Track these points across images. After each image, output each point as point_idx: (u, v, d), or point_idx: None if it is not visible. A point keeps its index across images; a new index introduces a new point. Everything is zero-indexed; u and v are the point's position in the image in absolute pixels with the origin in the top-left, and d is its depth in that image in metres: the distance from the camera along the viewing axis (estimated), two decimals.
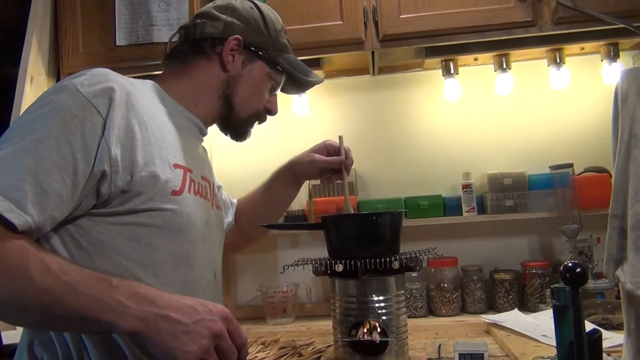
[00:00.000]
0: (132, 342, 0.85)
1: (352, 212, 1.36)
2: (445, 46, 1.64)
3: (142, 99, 0.97)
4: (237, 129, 1.20)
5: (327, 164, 1.34)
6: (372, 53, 1.69)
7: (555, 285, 0.91)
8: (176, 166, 0.99)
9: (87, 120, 0.86)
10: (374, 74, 1.86)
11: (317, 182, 1.66)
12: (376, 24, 1.58)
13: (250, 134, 1.22)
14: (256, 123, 1.22)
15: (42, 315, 0.76)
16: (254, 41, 1.14)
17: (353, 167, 1.40)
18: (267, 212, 1.41)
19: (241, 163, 1.95)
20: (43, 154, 0.82)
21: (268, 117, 1.24)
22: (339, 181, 1.37)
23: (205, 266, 1.05)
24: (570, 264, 0.87)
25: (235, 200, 1.44)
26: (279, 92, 1.25)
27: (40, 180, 0.80)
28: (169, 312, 0.78)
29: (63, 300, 0.75)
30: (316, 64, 1.70)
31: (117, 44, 1.65)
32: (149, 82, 1.08)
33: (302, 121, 1.95)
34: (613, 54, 1.70)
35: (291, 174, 1.38)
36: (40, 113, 0.86)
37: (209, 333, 0.79)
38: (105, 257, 0.89)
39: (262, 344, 1.46)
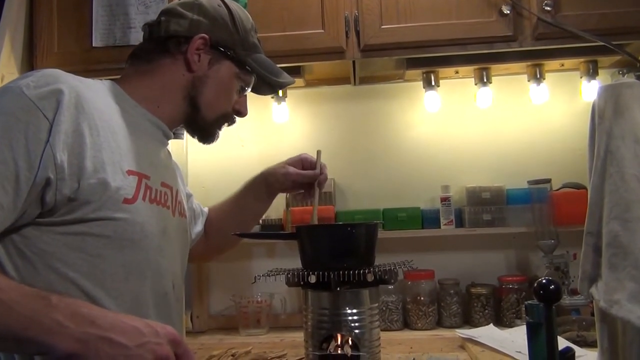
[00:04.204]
0: None
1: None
2: (426, 58, 1.65)
3: (96, 101, 0.92)
4: (205, 131, 1.14)
5: (301, 178, 1.28)
6: (353, 63, 1.68)
7: (529, 301, 0.90)
8: (130, 172, 0.94)
9: (31, 124, 0.81)
10: (355, 84, 1.85)
11: None
12: (358, 33, 1.56)
13: (218, 136, 1.17)
14: (225, 125, 1.17)
15: None
16: (221, 40, 1.09)
17: (332, 176, 1.38)
18: (237, 224, 1.34)
19: (218, 170, 1.92)
20: None
21: (241, 119, 1.18)
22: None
23: (161, 277, 1.00)
24: (544, 281, 0.85)
25: (206, 209, 1.38)
26: (254, 95, 1.21)
27: None
28: (110, 334, 0.73)
29: None
30: (297, 71, 1.69)
31: (93, 45, 1.61)
32: (107, 83, 1.03)
33: (281, 129, 1.93)
34: (592, 71, 1.72)
35: (264, 185, 1.32)
36: None
37: (153, 357, 0.74)
38: (52, 269, 0.85)
39: (232, 355, 1.42)
